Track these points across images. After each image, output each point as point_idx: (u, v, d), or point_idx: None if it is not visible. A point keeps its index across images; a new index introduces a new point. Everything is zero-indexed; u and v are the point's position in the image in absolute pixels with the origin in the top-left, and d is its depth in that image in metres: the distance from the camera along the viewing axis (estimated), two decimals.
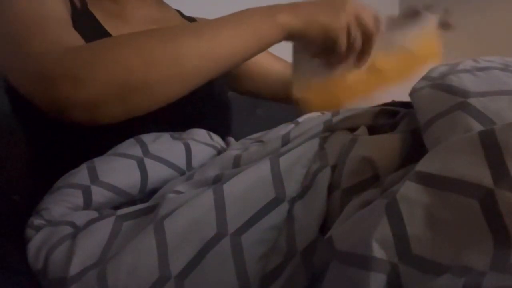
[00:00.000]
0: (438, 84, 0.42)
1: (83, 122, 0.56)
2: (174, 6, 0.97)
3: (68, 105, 0.54)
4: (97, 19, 0.76)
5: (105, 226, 0.51)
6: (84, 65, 0.54)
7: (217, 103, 0.84)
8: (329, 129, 0.52)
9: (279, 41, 0.63)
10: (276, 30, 0.61)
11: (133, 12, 0.84)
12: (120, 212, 0.53)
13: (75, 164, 0.61)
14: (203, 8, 1.22)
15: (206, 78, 0.59)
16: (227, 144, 0.75)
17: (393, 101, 0.56)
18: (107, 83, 0.53)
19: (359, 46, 0.69)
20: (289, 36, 0.63)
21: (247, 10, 0.63)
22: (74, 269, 0.48)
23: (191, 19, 0.96)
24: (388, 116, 0.51)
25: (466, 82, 0.40)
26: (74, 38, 0.62)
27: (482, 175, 0.31)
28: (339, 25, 0.64)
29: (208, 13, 1.06)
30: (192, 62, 0.56)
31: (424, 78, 0.45)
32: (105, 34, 0.75)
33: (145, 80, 0.55)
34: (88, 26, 0.73)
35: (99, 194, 0.57)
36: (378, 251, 0.33)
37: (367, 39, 0.68)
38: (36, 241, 0.53)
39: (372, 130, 0.50)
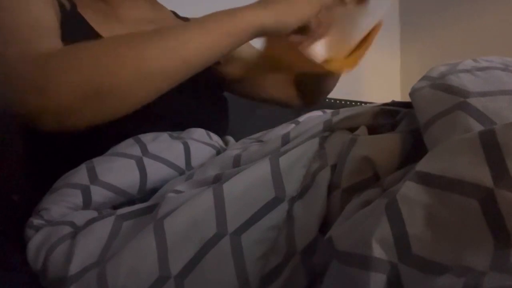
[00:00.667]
0: (438, 84, 0.42)
1: (54, 129, 0.56)
2: (170, 6, 0.97)
3: (38, 113, 0.54)
4: (86, 21, 0.76)
5: (105, 226, 0.51)
6: (50, 73, 0.54)
7: (214, 103, 0.84)
8: (329, 128, 0.52)
9: (250, 38, 0.62)
10: (246, 27, 0.60)
11: (126, 13, 0.84)
12: (120, 211, 0.53)
13: (74, 164, 0.61)
14: (199, 8, 1.22)
15: (176, 78, 0.59)
16: (226, 143, 0.75)
17: (393, 101, 0.56)
18: (73, 90, 0.53)
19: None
20: (262, 33, 0.62)
21: (217, 11, 0.63)
22: (73, 268, 0.48)
23: (186, 20, 0.96)
24: (388, 116, 0.51)
25: (466, 82, 0.40)
26: (53, 43, 0.61)
27: (482, 175, 0.31)
28: (312, 13, 0.64)
29: (203, 13, 1.06)
30: (159, 62, 0.56)
31: (424, 78, 0.45)
32: (95, 36, 0.75)
33: (112, 85, 0.54)
34: (78, 28, 0.73)
35: (98, 194, 0.57)
36: (378, 251, 0.33)
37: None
38: (35, 241, 0.53)
39: (372, 130, 0.50)
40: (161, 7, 0.94)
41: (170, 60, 0.57)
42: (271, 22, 0.61)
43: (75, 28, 0.72)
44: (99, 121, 0.57)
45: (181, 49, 0.57)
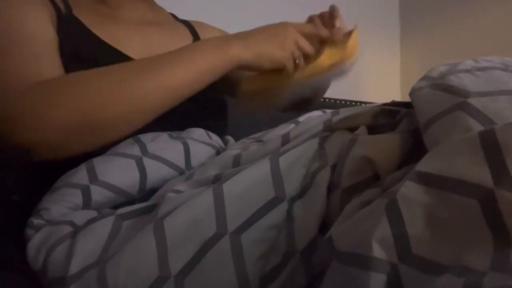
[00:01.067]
0: (438, 84, 0.42)
1: (47, 159, 0.57)
2: (169, 8, 0.97)
3: (29, 147, 0.55)
4: (83, 23, 0.76)
5: (105, 225, 0.51)
6: (39, 109, 0.55)
7: (213, 103, 0.84)
8: (329, 128, 0.52)
9: (230, 70, 0.67)
10: (227, 61, 0.66)
11: (125, 14, 0.84)
12: (120, 211, 0.53)
13: (73, 164, 0.61)
14: (198, 10, 1.23)
15: (165, 108, 0.62)
16: (226, 143, 0.75)
17: (393, 101, 0.56)
18: (63, 126, 0.55)
19: (302, 64, 0.74)
20: (240, 66, 0.68)
21: (201, 42, 0.70)
22: (73, 268, 0.48)
23: (184, 21, 0.96)
24: (388, 116, 0.51)
25: (466, 82, 0.40)
26: (44, 69, 0.62)
27: (482, 175, 0.31)
28: (284, 54, 0.70)
29: (203, 15, 1.06)
30: (149, 98, 0.59)
31: (424, 78, 0.45)
32: (93, 38, 0.75)
33: (104, 119, 0.57)
34: (76, 31, 0.74)
35: (98, 194, 0.57)
36: (378, 251, 0.33)
37: (307, 57, 0.74)
38: (35, 241, 0.53)
39: (372, 129, 0.50)
40: (160, 9, 0.94)
41: (159, 96, 0.60)
42: (249, 60, 0.67)
43: (72, 32, 0.73)
44: (93, 149, 0.59)
45: (170, 83, 0.61)
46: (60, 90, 0.57)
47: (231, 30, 1.01)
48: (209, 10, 1.46)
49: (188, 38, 0.91)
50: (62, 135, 0.56)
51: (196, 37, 0.93)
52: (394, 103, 0.54)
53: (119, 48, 0.76)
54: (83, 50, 0.72)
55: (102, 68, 0.60)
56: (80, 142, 0.58)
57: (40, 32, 0.67)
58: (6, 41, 0.64)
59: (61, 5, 0.76)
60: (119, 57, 0.74)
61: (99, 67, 0.60)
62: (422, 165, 0.34)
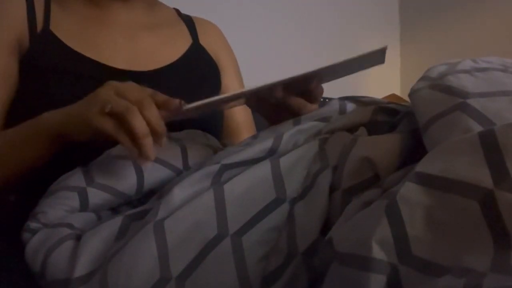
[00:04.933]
0: (437, 85, 0.42)
1: None
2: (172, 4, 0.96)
3: None
4: (59, 38, 0.76)
5: (112, 226, 0.51)
6: None
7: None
8: (329, 130, 0.52)
9: (54, 140, 0.62)
10: (45, 133, 0.62)
11: (115, 16, 0.83)
12: (128, 212, 0.53)
13: (70, 165, 0.61)
14: (202, 6, 1.22)
15: (11, 183, 0.66)
16: (224, 146, 0.75)
17: (392, 101, 0.56)
18: None
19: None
20: (60, 138, 0.61)
21: (25, 124, 0.65)
22: (80, 270, 0.47)
23: (188, 18, 0.95)
24: (388, 114, 0.51)
25: (465, 82, 0.40)
26: None
27: (482, 176, 0.31)
28: (90, 113, 0.55)
29: (206, 11, 1.05)
30: None
31: (423, 78, 0.45)
32: (70, 52, 0.75)
33: None
34: (50, 47, 0.75)
35: (95, 196, 0.57)
36: (378, 252, 0.33)
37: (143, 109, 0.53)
38: (33, 244, 0.53)
39: (372, 127, 0.50)
40: (161, 7, 0.92)
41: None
42: (58, 123, 0.61)
43: (48, 48, 0.75)
44: None
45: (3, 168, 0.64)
46: None
47: (231, 30, 1.01)
48: (211, 5, 1.45)
49: (185, 41, 0.89)
50: None
51: (195, 39, 0.90)
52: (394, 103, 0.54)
53: (100, 57, 0.76)
54: (61, 65, 0.73)
55: None
56: None
57: None
58: None
59: (40, 20, 0.77)
60: (96, 67, 0.75)
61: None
62: (422, 166, 0.34)
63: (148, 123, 0.51)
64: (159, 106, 0.53)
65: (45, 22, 0.77)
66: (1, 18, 0.76)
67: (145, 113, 0.52)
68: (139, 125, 0.51)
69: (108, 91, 0.55)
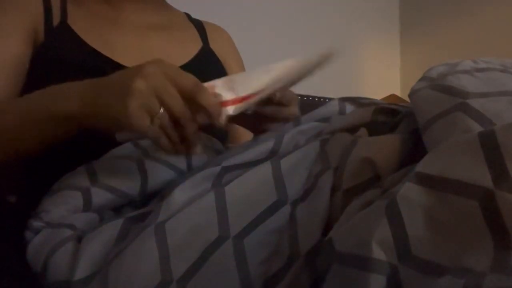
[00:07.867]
0: (437, 85, 0.42)
1: None
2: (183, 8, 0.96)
3: None
4: (75, 32, 0.77)
5: (113, 229, 0.51)
6: None
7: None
8: (330, 131, 0.52)
9: (73, 131, 0.58)
10: (63, 126, 0.58)
11: (128, 17, 0.84)
12: (129, 214, 0.53)
13: (71, 165, 0.61)
14: (211, 10, 1.22)
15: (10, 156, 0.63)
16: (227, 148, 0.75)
17: (393, 102, 0.56)
18: None
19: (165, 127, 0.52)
20: (80, 124, 0.57)
21: (40, 98, 0.60)
22: (80, 273, 0.47)
23: (198, 22, 0.95)
24: (388, 115, 0.51)
25: (465, 83, 0.40)
26: None
27: (482, 176, 0.31)
28: (127, 114, 0.50)
29: (215, 15, 1.05)
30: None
31: (423, 78, 0.45)
32: (84, 45, 0.76)
33: None
34: (65, 40, 0.75)
35: (99, 196, 0.57)
36: (378, 253, 0.33)
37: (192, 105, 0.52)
38: (35, 243, 0.53)
39: (372, 128, 0.50)
40: (171, 10, 0.93)
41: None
42: (87, 118, 0.55)
43: (63, 41, 0.75)
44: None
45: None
46: None
47: (232, 29, 1.01)
48: (218, 9, 1.45)
49: (195, 44, 0.89)
50: None
51: (205, 43, 0.91)
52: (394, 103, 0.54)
53: (113, 55, 0.76)
54: (77, 59, 0.73)
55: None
56: None
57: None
58: None
59: (56, 13, 0.77)
60: (109, 64, 0.75)
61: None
62: (422, 166, 0.34)
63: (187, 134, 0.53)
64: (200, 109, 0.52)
65: (62, 16, 0.78)
66: (18, 9, 0.76)
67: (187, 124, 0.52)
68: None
69: (142, 89, 0.49)
